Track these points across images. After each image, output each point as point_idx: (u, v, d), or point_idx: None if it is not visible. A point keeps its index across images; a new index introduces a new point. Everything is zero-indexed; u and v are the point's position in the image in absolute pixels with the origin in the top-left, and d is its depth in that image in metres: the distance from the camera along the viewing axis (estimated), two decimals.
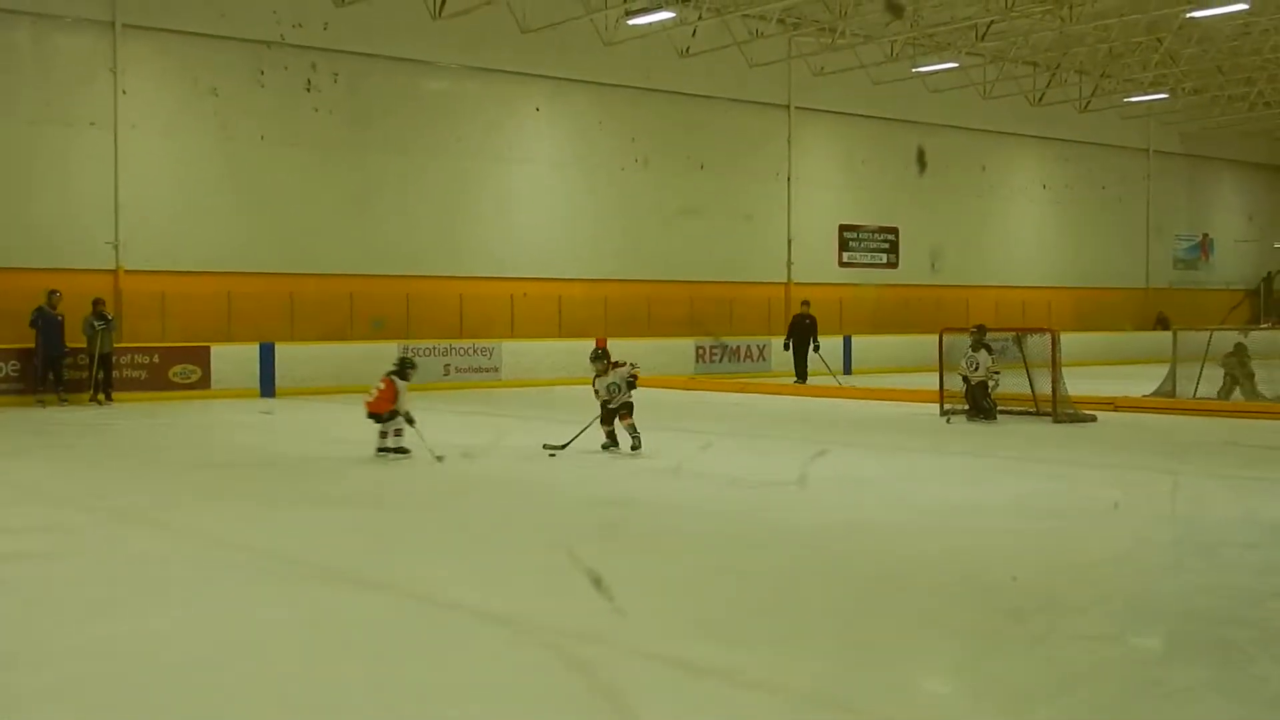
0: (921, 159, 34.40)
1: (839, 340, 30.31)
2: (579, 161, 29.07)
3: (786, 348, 26.06)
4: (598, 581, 7.33)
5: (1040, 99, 36.80)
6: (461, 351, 25.68)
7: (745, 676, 5.60)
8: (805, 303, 26.65)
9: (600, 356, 13.76)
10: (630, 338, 27.79)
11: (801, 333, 25.84)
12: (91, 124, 22.88)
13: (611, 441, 13.51)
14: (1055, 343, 17.61)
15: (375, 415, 13.17)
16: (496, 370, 25.97)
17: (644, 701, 5.24)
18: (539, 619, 6.55)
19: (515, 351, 26.39)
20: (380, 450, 13.04)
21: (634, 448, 13.28)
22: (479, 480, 12.23)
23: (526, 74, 27.93)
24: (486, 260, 27.34)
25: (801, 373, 25.63)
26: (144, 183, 23.35)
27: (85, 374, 21.07)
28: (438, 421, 15.49)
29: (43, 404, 20.51)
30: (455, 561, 8.26)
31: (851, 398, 22.51)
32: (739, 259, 31.27)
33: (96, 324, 21.04)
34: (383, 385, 13.11)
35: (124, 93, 23.17)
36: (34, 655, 5.96)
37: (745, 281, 31.29)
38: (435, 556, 8.43)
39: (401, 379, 13.13)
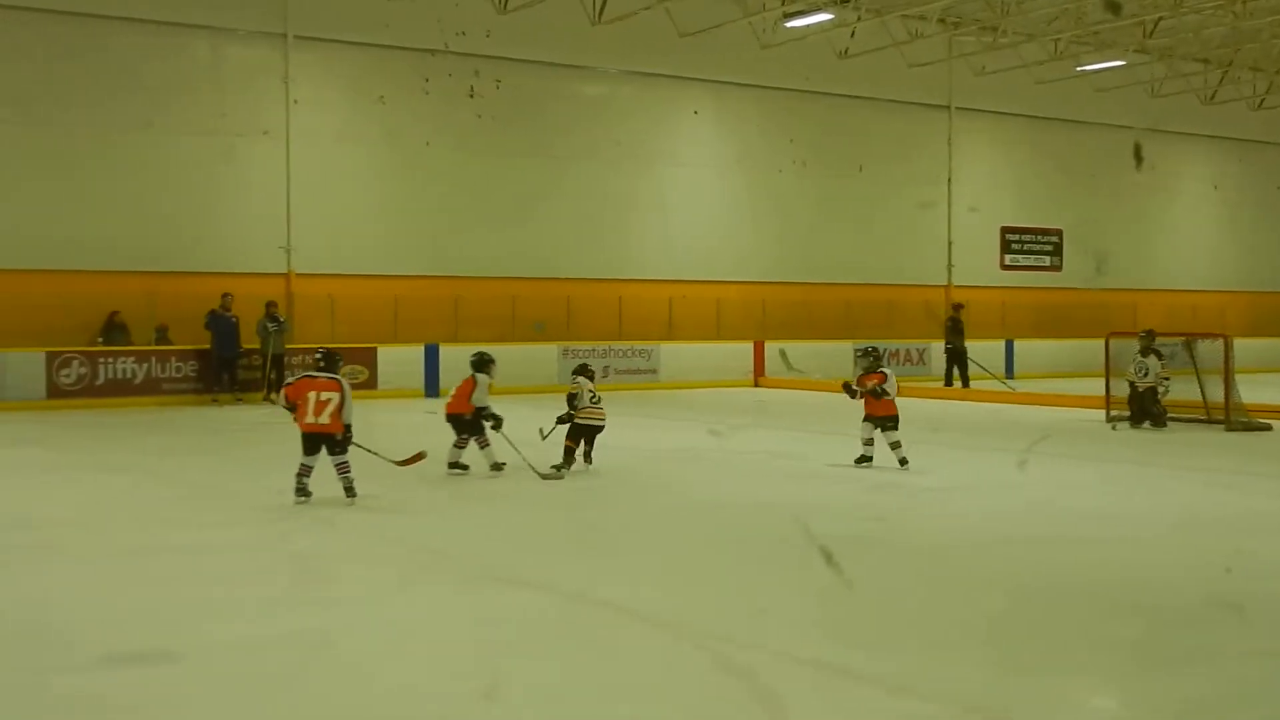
0: (1139, 154, 33.51)
1: (1000, 344, 29.79)
2: (737, 164, 29.07)
3: (946, 351, 25.71)
4: (829, 556, 7.40)
5: (1212, 97, 35.59)
6: (620, 353, 25.91)
7: (901, 684, 5.58)
8: (957, 305, 26.21)
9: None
10: (787, 340, 27.72)
11: (955, 336, 25.45)
12: (265, 133, 23.68)
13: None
14: (1228, 348, 17.06)
15: (455, 417, 12.37)
16: (655, 372, 26.13)
17: (802, 707, 5.26)
18: (692, 620, 6.60)
19: (673, 353, 26.52)
20: (451, 466, 12.38)
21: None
22: (620, 479, 12.32)
23: (685, 77, 28.04)
24: (645, 263, 27.52)
25: (957, 377, 25.22)
26: (314, 189, 24.06)
27: (259, 374, 21.85)
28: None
29: (218, 403, 21.31)
30: (603, 561, 8.37)
31: (1011, 402, 22.10)
32: (898, 261, 30.90)
33: (269, 326, 21.81)
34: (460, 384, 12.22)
35: (295, 102, 23.91)
36: (203, 649, 6.19)
37: (904, 284, 30.91)
38: (584, 556, 8.56)
39: (481, 374, 12.37)
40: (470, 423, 12.40)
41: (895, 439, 12.67)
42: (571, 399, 12.39)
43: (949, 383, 25.34)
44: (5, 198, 21.26)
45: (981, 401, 22.38)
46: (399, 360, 23.38)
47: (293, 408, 10.63)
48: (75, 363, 20.55)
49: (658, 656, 6.05)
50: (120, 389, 20.82)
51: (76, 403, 20.17)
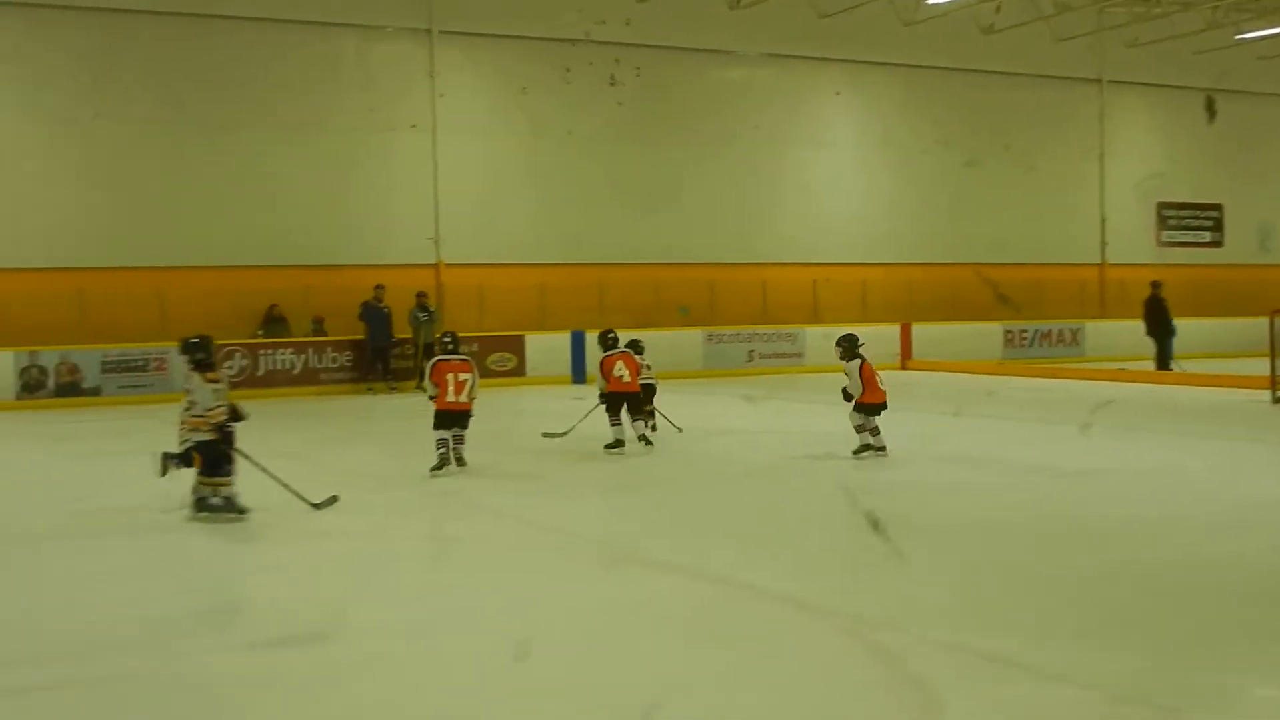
0: (1211, 107, 32.26)
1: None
2: (880, 145, 28.76)
3: (1149, 333, 24.12)
4: (875, 524, 7.37)
5: None
6: (765, 337, 25.88)
7: (1053, 671, 5.52)
8: (1156, 283, 24.62)
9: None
10: (935, 322, 27.38)
11: (1157, 314, 23.92)
12: (412, 126, 24.16)
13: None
14: None
15: (629, 396, 12.73)
16: (800, 355, 26.02)
17: (950, 692, 5.23)
18: (838, 606, 6.60)
19: (818, 336, 26.32)
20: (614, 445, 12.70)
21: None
22: (760, 462, 12.33)
23: (825, 59, 27.82)
24: (788, 246, 27.40)
25: (1162, 359, 23.76)
26: (460, 180, 24.49)
27: (411, 363, 22.36)
28: (732, 407, 15.64)
29: (372, 392, 21.85)
30: (745, 545, 8.40)
31: (1168, 383, 21.51)
32: (1048, 240, 30.23)
33: (420, 315, 22.31)
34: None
35: (441, 96, 24.35)
36: (356, 629, 6.39)
37: (1055, 263, 30.23)
38: (726, 539, 8.60)
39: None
40: (639, 400, 12.98)
41: (874, 425, 12.20)
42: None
43: (1164, 365, 23.71)
44: (170, 199, 22.08)
45: (1133, 382, 21.79)
46: (546, 347, 23.69)
47: (434, 391, 11.54)
48: (237, 355, 21.29)
49: (804, 642, 6.07)
50: (280, 380, 21.50)
51: (238, 394, 20.76)
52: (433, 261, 24.10)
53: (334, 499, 9.83)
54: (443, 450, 11.32)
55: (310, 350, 21.97)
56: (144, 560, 8.35)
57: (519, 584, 7.44)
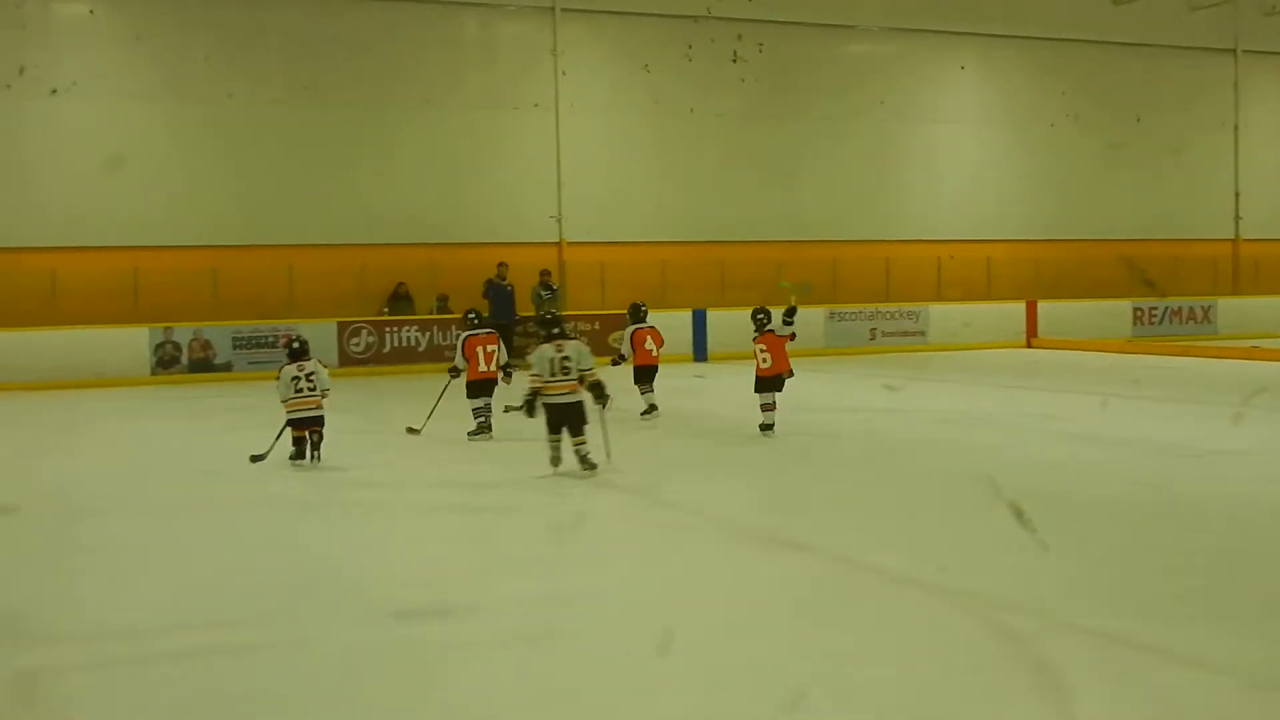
0: None
1: None
2: (1007, 119, 28.23)
3: None
4: (1019, 514, 7.25)
5: None
6: (888, 315, 25.62)
7: (1185, 655, 5.40)
8: None
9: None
10: (1062, 299, 26.86)
11: None
12: (535, 105, 24.32)
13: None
14: None
15: (778, 377, 12.61)
16: (923, 334, 25.73)
17: (1079, 676, 5.15)
18: (961, 586, 6.53)
19: (942, 315, 26.02)
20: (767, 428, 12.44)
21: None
22: (883, 441, 12.22)
23: (950, 32, 27.39)
24: (912, 223, 27.08)
25: None
26: (582, 158, 24.60)
27: (534, 340, 22.52)
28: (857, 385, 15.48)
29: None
30: (872, 525, 8.33)
31: None
32: (1179, 215, 29.41)
33: (543, 293, 22.47)
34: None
35: (564, 74, 24.46)
36: (489, 604, 6.48)
37: (1186, 239, 29.40)
38: (855, 520, 8.54)
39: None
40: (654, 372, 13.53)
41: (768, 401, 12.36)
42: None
43: None
44: (299, 178, 22.55)
45: (1272, 361, 21.15)
46: (667, 325, 23.59)
47: (464, 365, 12.51)
48: (364, 332, 21.69)
49: (927, 622, 6.02)
50: (405, 356, 21.85)
51: (365, 370, 21.27)
52: (555, 239, 24.26)
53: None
54: (481, 419, 12.39)
55: (435, 327, 22.28)
56: (276, 533, 8.56)
57: (649, 561, 7.48)
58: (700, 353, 23.61)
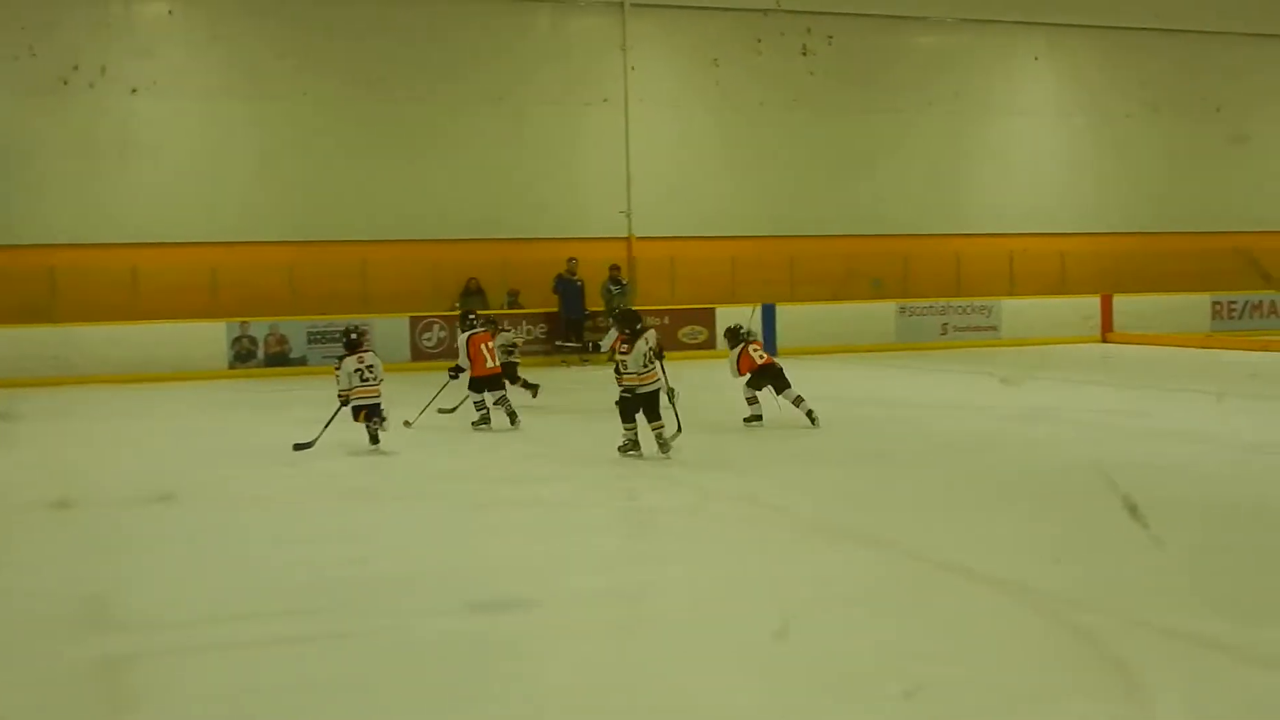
0: None
1: None
2: (1081, 110, 27.86)
3: None
4: (1133, 509, 7.18)
5: None
6: (959, 310, 25.40)
7: (1262, 654, 5.32)
8: None
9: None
10: (1138, 293, 26.49)
11: None
12: (605, 100, 24.38)
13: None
14: None
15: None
16: (995, 329, 25.48)
17: (1153, 674, 5.09)
18: (1036, 584, 6.47)
19: (1015, 309, 25.76)
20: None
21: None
22: (954, 437, 12.14)
23: (1023, 22, 27.09)
24: (984, 216, 26.81)
25: None
26: (651, 153, 24.62)
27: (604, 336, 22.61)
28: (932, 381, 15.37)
29: (566, 364, 22.19)
30: (947, 521, 8.28)
31: None
32: (1261, 207, 28.87)
33: (613, 288, 22.55)
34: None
35: (633, 69, 24.49)
36: (564, 596, 6.51)
37: (1269, 231, 28.84)
38: (927, 516, 8.49)
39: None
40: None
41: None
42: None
43: None
44: (373, 174, 22.78)
45: None
46: (736, 320, 23.63)
47: (468, 365, 12.96)
48: (435, 327, 21.88)
49: (999, 619, 5.97)
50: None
51: (436, 364, 21.42)
52: (625, 235, 24.31)
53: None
54: (483, 410, 13.00)
55: (505, 323, 22.39)
56: (348, 524, 8.66)
57: (719, 555, 7.49)
58: (770, 347, 23.50)
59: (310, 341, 21.18)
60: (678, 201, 24.70)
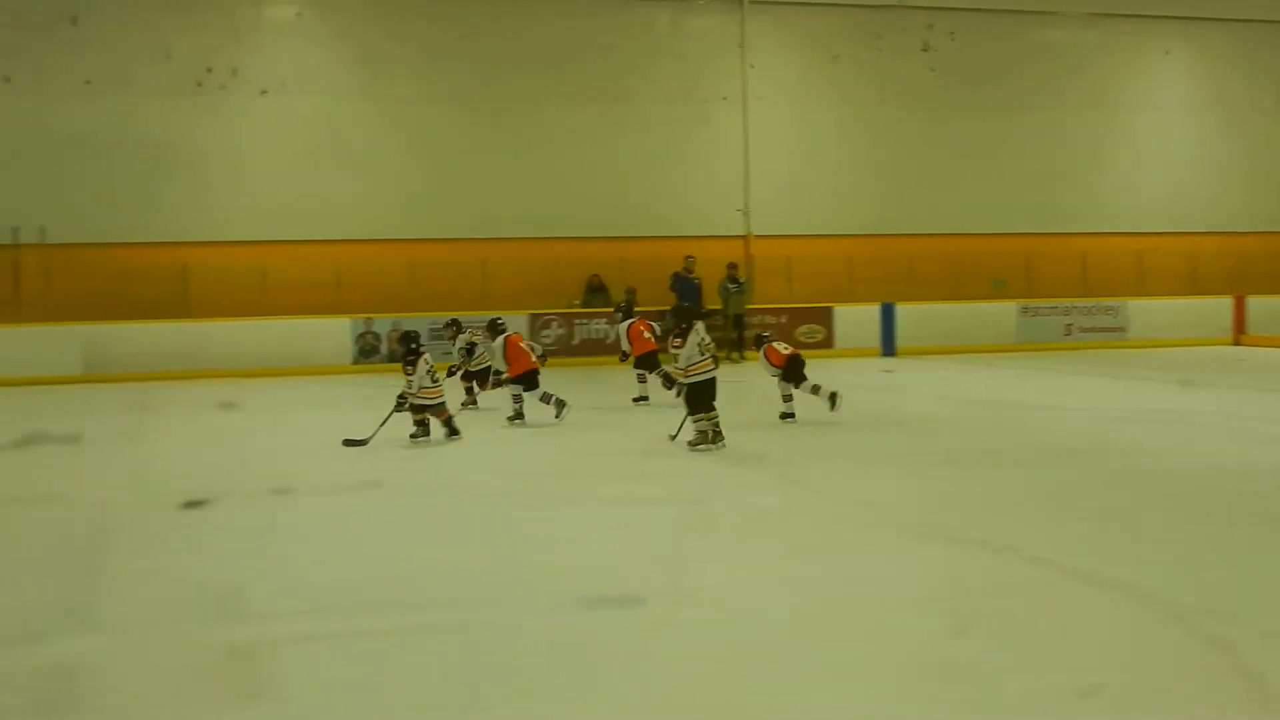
0: None
1: None
2: (1213, 105, 27.13)
3: None
4: (1212, 508, 6.99)
5: None
6: (1084, 311, 24.89)
7: None
8: None
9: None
10: (1273, 294, 25.70)
11: None
12: (723, 99, 24.37)
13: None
14: None
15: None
16: (1122, 330, 24.92)
17: None
18: (1161, 591, 6.32)
19: (1143, 310, 25.17)
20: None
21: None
22: (1079, 440, 11.89)
23: (1154, 16, 26.48)
24: (1112, 214, 26.25)
25: None
26: (769, 151, 24.54)
27: (720, 334, 22.56)
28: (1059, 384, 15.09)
29: (732, 360, 22.08)
30: (1068, 526, 8.11)
31: None
32: None
33: (730, 286, 22.53)
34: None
35: (751, 66, 24.45)
36: (676, 594, 6.50)
37: None
38: (1046, 519, 8.33)
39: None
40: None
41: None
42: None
43: None
44: (493, 173, 23.04)
45: None
46: (855, 319, 23.54)
47: (506, 366, 13.39)
48: (554, 324, 22.07)
49: (1127, 626, 5.85)
50: (594, 348, 22.11)
51: (554, 361, 21.58)
52: (742, 233, 24.27)
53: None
54: (519, 404, 13.25)
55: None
56: (465, 518, 8.76)
57: (832, 556, 7.43)
58: (888, 347, 23.38)
59: (432, 338, 21.45)
60: (795, 199, 24.60)
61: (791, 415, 13.01)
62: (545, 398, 13.26)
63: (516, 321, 21.64)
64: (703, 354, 11.21)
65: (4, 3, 21.24)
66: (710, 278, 22.57)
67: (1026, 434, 12.52)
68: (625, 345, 14.82)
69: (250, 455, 11.97)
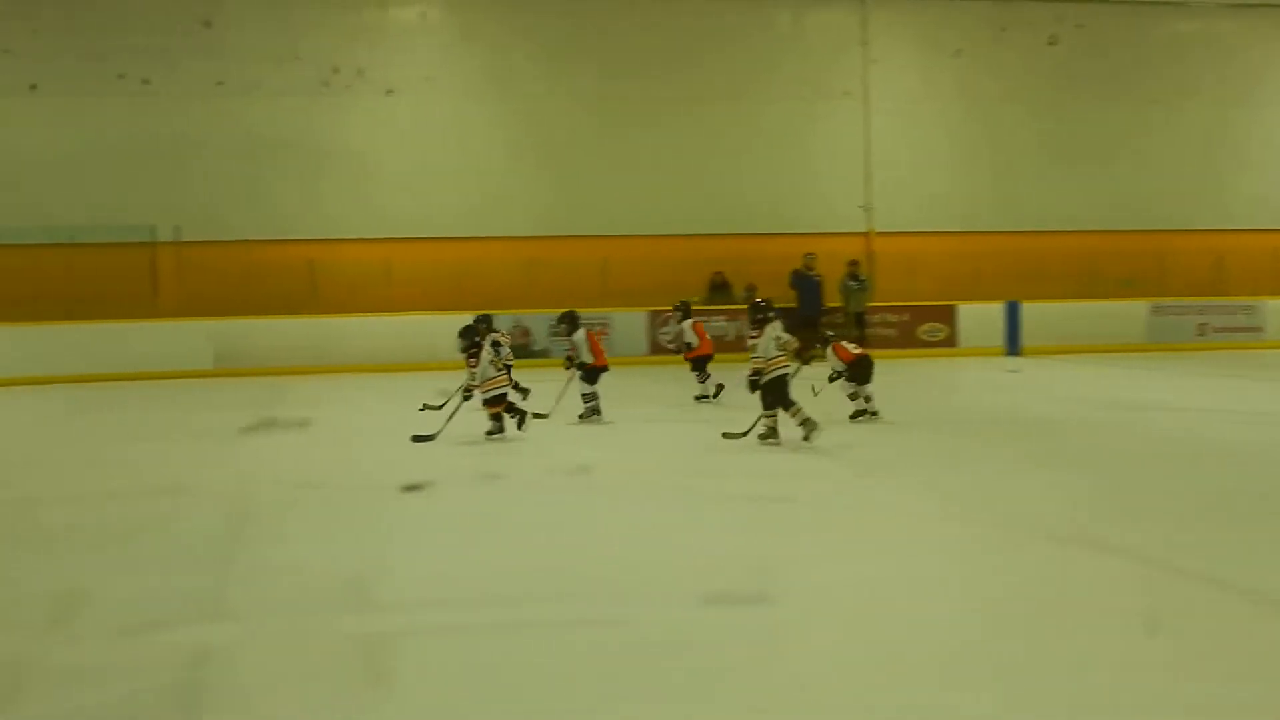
0: None
1: None
2: None
3: None
4: None
5: None
6: (1219, 310, 24.21)
7: None
8: None
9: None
10: None
11: None
12: (845, 94, 24.20)
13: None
14: None
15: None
16: (1260, 330, 24.16)
17: None
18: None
19: None
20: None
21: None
22: (1216, 444, 11.54)
23: None
24: (1248, 210, 25.51)
25: None
26: (891, 147, 24.31)
27: (842, 331, 22.40)
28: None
29: (802, 360, 22.04)
30: (1190, 529, 7.89)
31: None
32: None
33: (851, 284, 22.35)
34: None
35: (874, 62, 24.25)
36: (795, 592, 6.45)
37: None
38: (1169, 522, 8.10)
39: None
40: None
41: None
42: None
43: None
44: (614, 171, 23.21)
45: None
46: (979, 317, 23.18)
47: (590, 359, 13.36)
48: (673, 321, 22.02)
49: (1241, 632, 5.66)
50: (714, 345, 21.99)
51: (674, 359, 21.61)
52: (864, 230, 24.06)
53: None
54: (593, 402, 13.28)
55: (742, 318, 22.45)
56: (586, 513, 8.76)
57: (964, 558, 7.31)
58: (1013, 346, 22.97)
59: (552, 335, 21.62)
60: (918, 196, 24.33)
61: (864, 413, 12.83)
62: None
63: (635, 319, 21.79)
64: (780, 350, 11.37)
65: (142, 8, 21.89)
66: (831, 275, 22.40)
67: (1159, 437, 12.21)
68: (691, 339, 15.32)
69: (377, 448, 12.14)
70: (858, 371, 12.97)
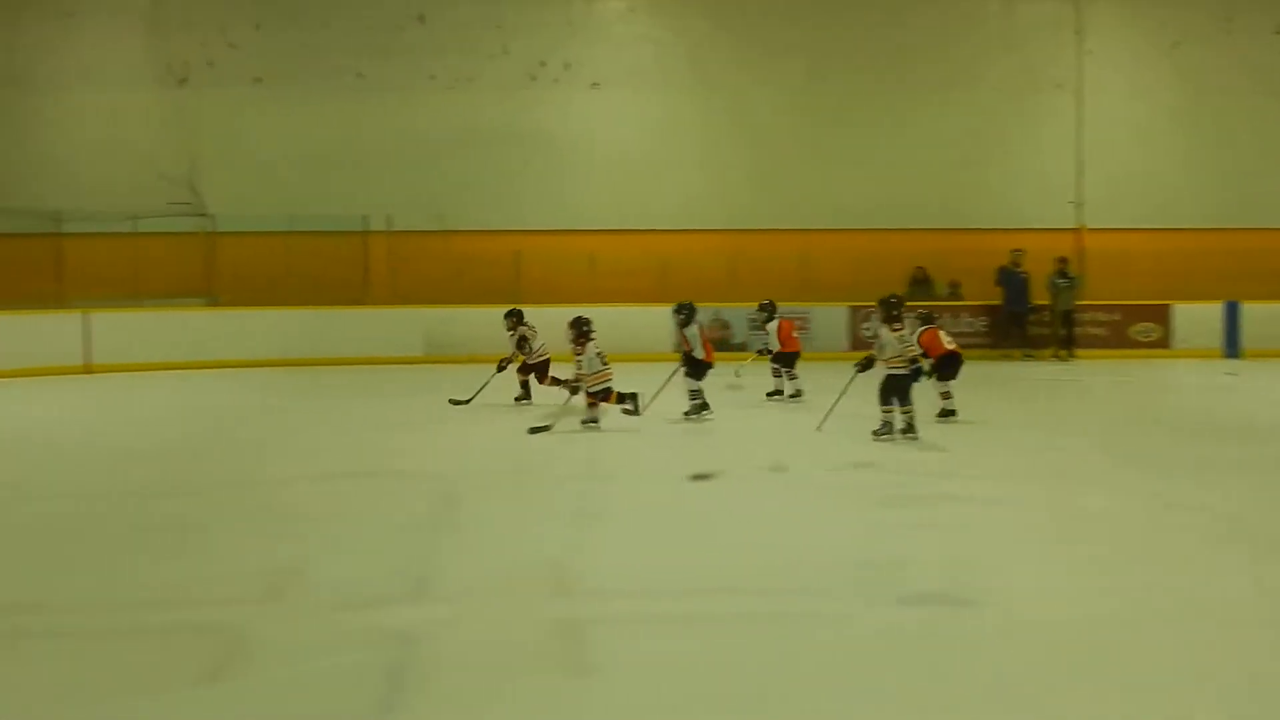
0: None
1: None
2: None
3: None
4: None
5: None
6: None
7: None
8: None
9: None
10: None
11: None
12: (1057, 87, 23.56)
13: None
14: None
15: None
16: None
17: None
18: None
19: None
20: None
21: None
22: None
23: None
24: None
25: None
26: (1104, 141, 23.56)
27: (1048, 330, 21.89)
28: None
29: (1007, 358, 21.62)
30: None
31: None
32: None
33: (1059, 281, 21.77)
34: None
35: (1089, 54, 23.54)
36: (1006, 597, 6.35)
37: None
38: None
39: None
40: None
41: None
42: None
43: None
44: (815, 164, 23.04)
45: None
46: (1195, 318, 22.28)
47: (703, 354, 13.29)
48: (874, 315, 21.79)
49: None
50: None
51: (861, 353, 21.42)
52: (1074, 226, 23.41)
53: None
54: (699, 399, 13.20)
55: (947, 314, 22.07)
56: (781, 509, 8.76)
57: (1176, 566, 7.10)
58: (1232, 348, 22.02)
59: (751, 328, 21.63)
60: (1131, 192, 23.53)
61: (949, 412, 12.81)
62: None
63: (836, 314, 21.63)
64: (903, 349, 11.53)
65: (358, 4, 22.68)
66: (1038, 272, 21.86)
67: None
68: (773, 344, 15.04)
69: (570, 441, 12.33)
70: (945, 368, 12.80)
